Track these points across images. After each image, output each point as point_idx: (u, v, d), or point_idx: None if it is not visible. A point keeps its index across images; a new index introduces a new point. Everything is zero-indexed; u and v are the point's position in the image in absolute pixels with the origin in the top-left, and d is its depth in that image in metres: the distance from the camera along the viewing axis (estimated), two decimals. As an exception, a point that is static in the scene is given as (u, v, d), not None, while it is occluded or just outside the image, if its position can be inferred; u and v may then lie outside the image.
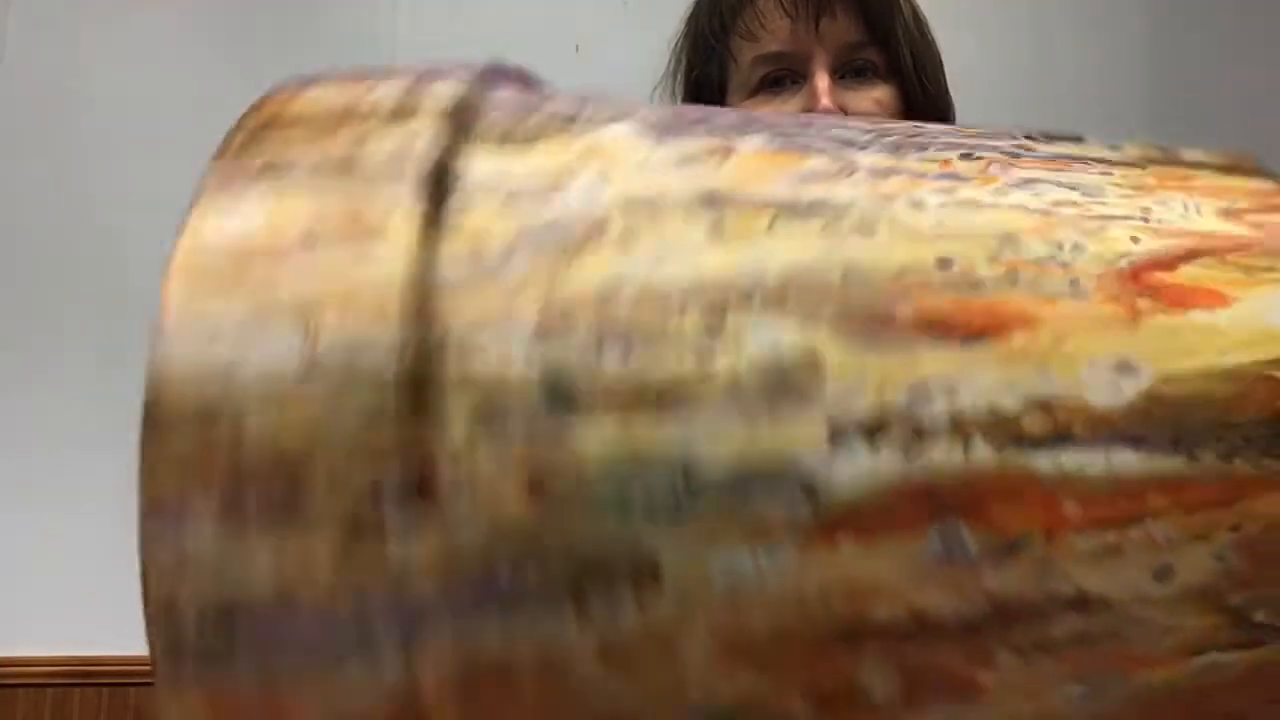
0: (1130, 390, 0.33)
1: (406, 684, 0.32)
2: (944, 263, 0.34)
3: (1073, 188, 0.37)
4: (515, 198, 0.36)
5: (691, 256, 0.35)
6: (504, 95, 0.40)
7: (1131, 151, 0.39)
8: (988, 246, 0.35)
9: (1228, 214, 0.36)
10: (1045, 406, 0.33)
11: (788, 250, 0.35)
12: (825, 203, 0.36)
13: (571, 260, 0.35)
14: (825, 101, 0.84)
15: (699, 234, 0.35)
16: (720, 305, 0.34)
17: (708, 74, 0.91)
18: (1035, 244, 0.35)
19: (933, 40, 0.91)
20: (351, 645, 0.32)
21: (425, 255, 0.34)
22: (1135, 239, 0.35)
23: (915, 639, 0.33)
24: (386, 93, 0.38)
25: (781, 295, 0.34)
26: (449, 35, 2.36)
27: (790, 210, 0.36)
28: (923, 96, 0.88)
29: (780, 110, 0.86)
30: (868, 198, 0.36)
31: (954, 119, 0.92)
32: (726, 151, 0.38)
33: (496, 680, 0.33)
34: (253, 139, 0.37)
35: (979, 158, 0.38)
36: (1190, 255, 0.34)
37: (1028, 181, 0.37)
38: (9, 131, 2.28)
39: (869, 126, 0.40)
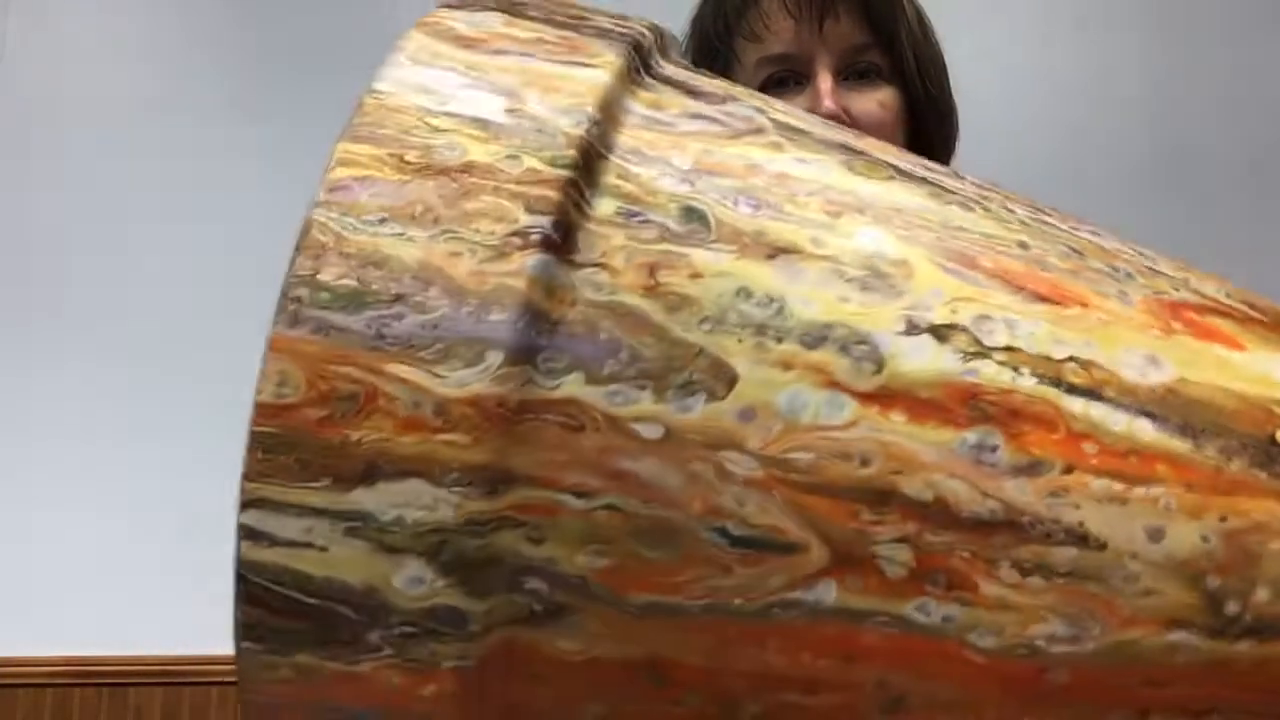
0: (1155, 377, 0.39)
1: (488, 394, 0.36)
2: (1024, 245, 0.41)
3: (1134, 247, 0.44)
4: (694, 94, 0.43)
5: (825, 170, 0.41)
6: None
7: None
8: (1059, 249, 0.41)
9: (1251, 304, 0.42)
10: (1086, 365, 0.38)
11: (901, 194, 0.42)
12: (936, 182, 0.43)
13: (730, 141, 0.42)
14: (828, 103, 0.84)
15: (833, 162, 0.42)
16: (839, 207, 0.40)
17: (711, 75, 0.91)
18: (1097, 261, 0.42)
19: (936, 43, 0.91)
20: (460, 346, 0.36)
21: (620, 91, 0.41)
22: (1177, 288, 0.42)
23: (933, 522, 0.37)
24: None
25: (890, 217, 0.41)
26: (448, 35, 2.36)
27: (908, 175, 0.43)
28: (926, 99, 0.88)
29: None
30: (970, 190, 0.43)
31: (957, 122, 0.92)
32: (862, 135, 0.47)
33: (564, 431, 0.37)
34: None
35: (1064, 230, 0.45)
36: (1218, 311, 0.41)
37: (1095, 232, 0.44)
38: (9, 131, 2.28)
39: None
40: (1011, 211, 0.43)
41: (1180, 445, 0.38)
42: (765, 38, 0.87)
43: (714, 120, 0.43)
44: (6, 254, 2.24)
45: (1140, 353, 0.39)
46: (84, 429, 2.17)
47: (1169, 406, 0.38)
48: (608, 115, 0.40)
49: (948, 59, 0.91)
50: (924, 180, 0.43)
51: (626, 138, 0.41)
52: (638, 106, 0.42)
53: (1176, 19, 2.51)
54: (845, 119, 0.84)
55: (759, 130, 0.43)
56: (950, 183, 0.44)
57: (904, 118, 0.87)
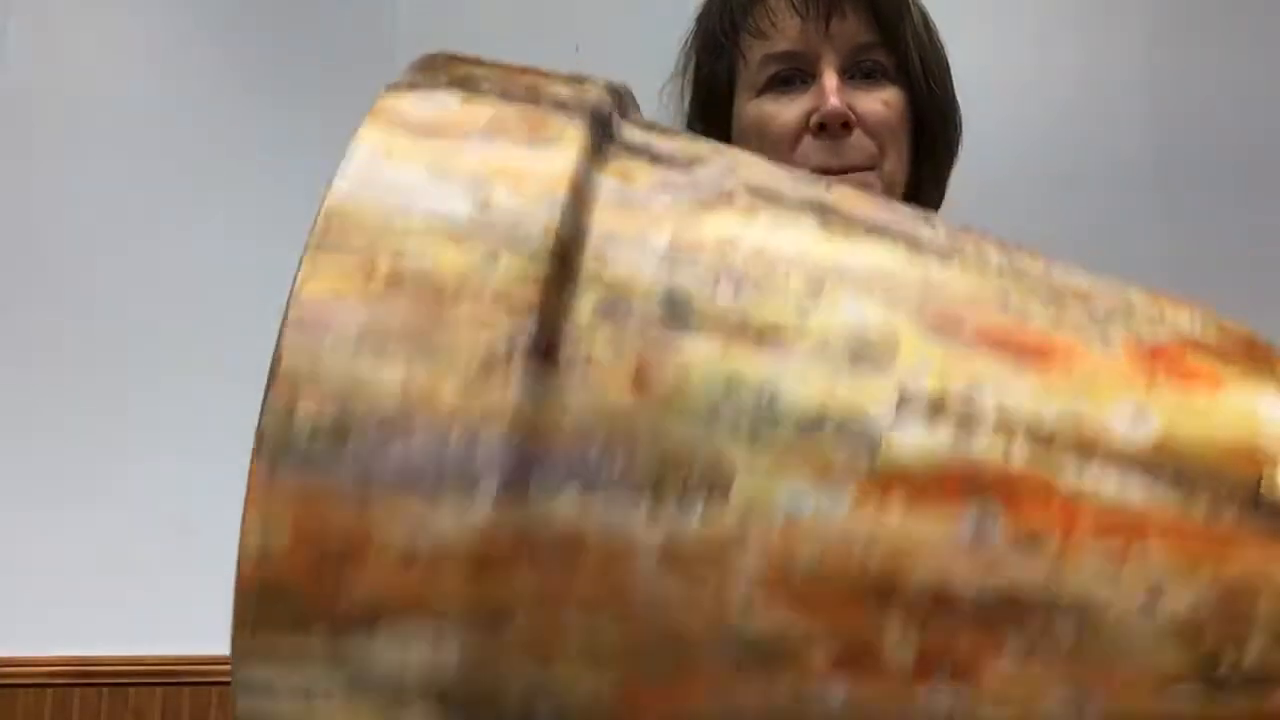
0: (1144, 431, 0.38)
1: (490, 528, 0.35)
2: (1005, 295, 0.41)
3: (1108, 282, 0.44)
4: (660, 160, 0.42)
5: (800, 236, 0.40)
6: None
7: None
8: (1041, 295, 0.41)
9: (1223, 330, 0.43)
10: (1076, 426, 0.38)
11: (879, 254, 0.41)
12: (912, 234, 0.42)
13: (702, 213, 0.40)
14: (833, 101, 0.84)
15: (809, 225, 0.41)
16: (820, 276, 0.39)
17: (716, 73, 0.91)
18: (1076, 305, 0.41)
19: (941, 45, 0.91)
20: (452, 477, 0.35)
21: (587, 171, 0.39)
22: (1153, 325, 0.42)
23: (937, 612, 0.36)
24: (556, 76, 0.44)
25: (870, 284, 0.40)
26: (449, 35, 2.36)
27: (883, 231, 0.42)
28: (930, 100, 0.89)
29: (787, 109, 0.86)
30: (943, 238, 0.43)
31: (960, 124, 0.92)
32: (830, 184, 0.45)
33: (565, 551, 0.36)
34: (439, 65, 0.42)
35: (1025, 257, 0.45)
36: (1195, 346, 0.41)
37: (1067, 270, 0.44)
38: (9, 131, 2.28)
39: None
40: (987, 259, 0.42)
41: (1173, 498, 0.37)
42: (771, 35, 0.87)
43: (684, 189, 0.41)
44: (6, 253, 2.23)
45: (1128, 406, 0.38)
46: (83, 428, 2.17)
47: (1159, 461, 0.38)
48: (579, 199, 0.38)
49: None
50: (899, 234, 0.42)
51: (600, 219, 0.39)
52: (608, 181, 0.40)
53: (1177, 19, 2.51)
54: (851, 117, 0.84)
55: (730, 196, 0.41)
56: (925, 232, 0.43)
57: (908, 118, 0.88)
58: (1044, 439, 0.37)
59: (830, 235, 0.41)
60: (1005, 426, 0.37)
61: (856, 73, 0.87)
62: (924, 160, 0.90)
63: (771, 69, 0.87)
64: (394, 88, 0.41)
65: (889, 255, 0.41)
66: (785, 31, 0.87)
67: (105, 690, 2.11)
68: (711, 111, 0.92)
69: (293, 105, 2.32)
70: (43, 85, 2.30)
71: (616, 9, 2.38)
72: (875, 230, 0.42)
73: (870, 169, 0.85)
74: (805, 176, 0.45)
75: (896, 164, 0.87)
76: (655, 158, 0.42)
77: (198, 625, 2.12)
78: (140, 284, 2.24)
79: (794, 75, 0.87)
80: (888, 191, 0.86)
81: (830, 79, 0.85)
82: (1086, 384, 0.39)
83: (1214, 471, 0.38)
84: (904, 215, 0.44)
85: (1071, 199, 2.36)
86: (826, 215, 0.42)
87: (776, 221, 0.41)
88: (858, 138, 0.85)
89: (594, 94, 0.42)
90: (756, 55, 0.88)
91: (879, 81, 0.87)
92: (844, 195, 0.44)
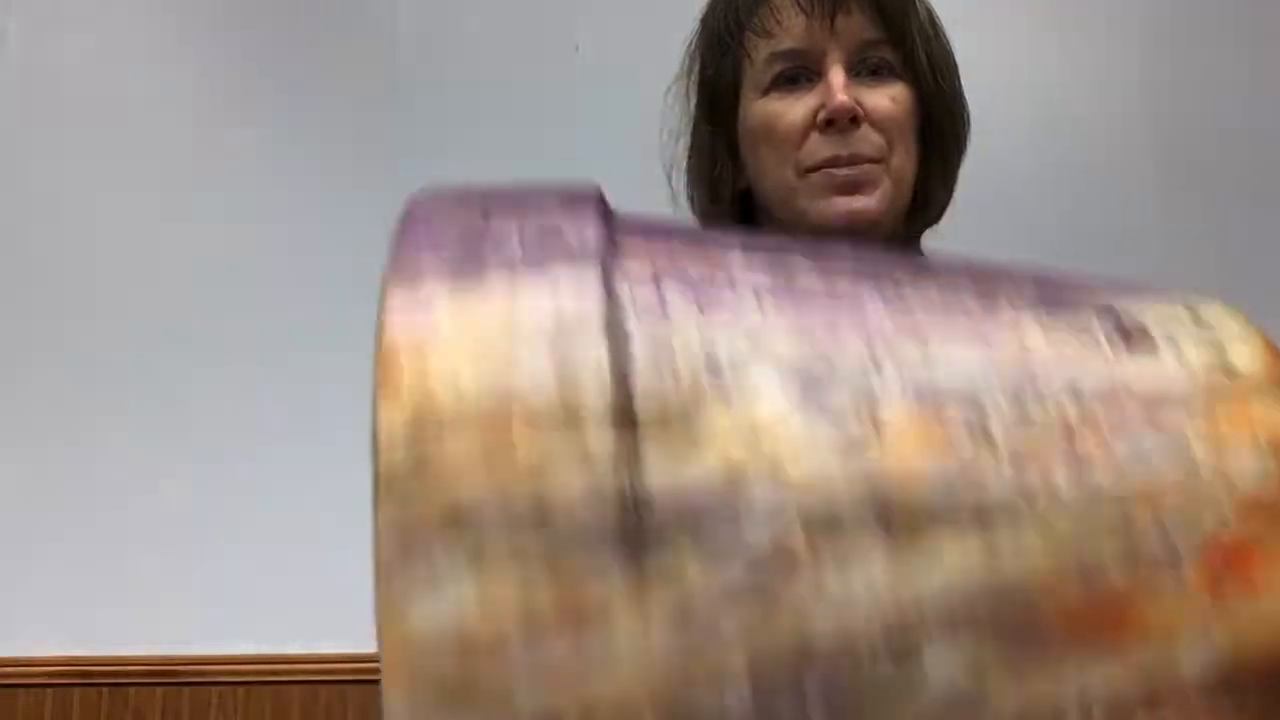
0: (1212, 667, 0.38)
1: None
2: (1082, 567, 0.39)
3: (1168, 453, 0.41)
4: (704, 529, 0.37)
5: (872, 583, 0.37)
6: (640, 295, 0.41)
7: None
8: (1114, 536, 0.39)
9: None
10: (1148, 684, 0.38)
11: (952, 568, 0.38)
12: (979, 508, 0.39)
13: (770, 611, 0.36)
14: (841, 97, 0.84)
15: (877, 555, 0.37)
16: (901, 639, 0.36)
17: (721, 73, 0.91)
18: (1150, 528, 0.39)
19: (946, 41, 0.91)
20: None
21: (646, 639, 0.35)
22: (1224, 520, 0.40)
23: None
24: (535, 369, 0.37)
25: (952, 621, 0.37)
26: (449, 35, 2.36)
27: (951, 520, 0.39)
28: (938, 96, 0.89)
29: (794, 108, 0.86)
30: (1013, 491, 0.39)
31: (968, 121, 0.92)
32: (875, 422, 0.40)
33: None
34: (418, 462, 0.36)
35: (1093, 408, 0.41)
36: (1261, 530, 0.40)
37: (1138, 441, 0.41)
38: (9, 131, 2.27)
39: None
40: (1057, 497, 0.40)
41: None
42: (776, 33, 0.87)
43: (744, 580, 0.37)
44: (6, 253, 2.23)
45: (1199, 646, 0.39)
46: (83, 427, 2.17)
47: (1232, 692, 0.39)
48: (659, 711, 0.35)
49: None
50: (971, 515, 0.39)
51: (668, 678, 0.35)
52: (667, 614, 0.36)
53: (1179, 18, 2.51)
54: (859, 111, 0.84)
55: (791, 562, 0.37)
56: (992, 482, 0.40)
57: (916, 114, 0.87)
58: (1122, 710, 0.38)
59: (900, 558, 0.38)
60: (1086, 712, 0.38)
61: (863, 69, 0.87)
62: (932, 156, 0.90)
63: (777, 67, 0.87)
64: (384, 540, 0.35)
65: (963, 562, 0.38)
66: (790, 29, 0.87)
67: (105, 690, 2.11)
68: (717, 112, 0.92)
69: (293, 105, 2.32)
70: (43, 85, 2.30)
71: (616, 9, 2.38)
72: (944, 519, 0.39)
73: (878, 161, 0.85)
74: (845, 394, 0.40)
75: (904, 160, 0.87)
76: (698, 522, 0.37)
77: (198, 625, 2.12)
78: (139, 283, 2.24)
79: (800, 73, 0.87)
80: (896, 187, 0.85)
81: (837, 75, 0.85)
82: (1160, 641, 0.39)
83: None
84: (965, 435, 0.40)
85: (1070, 199, 2.37)
86: (890, 520, 0.38)
87: (843, 570, 0.37)
88: (865, 131, 0.85)
89: (604, 451, 0.37)
90: (762, 54, 0.88)
91: (886, 78, 0.87)
92: (899, 445, 0.39)
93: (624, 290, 0.40)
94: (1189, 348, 0.43)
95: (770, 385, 0.39)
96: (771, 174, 0.87)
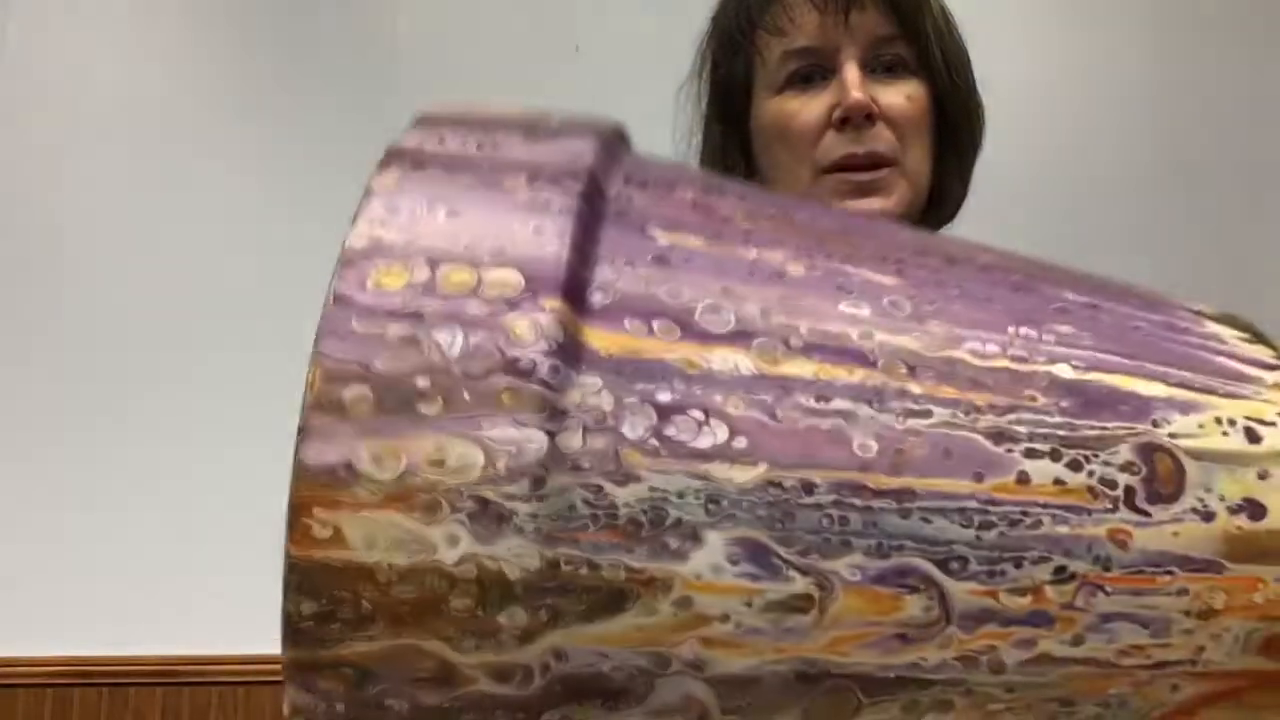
0: None
1: None
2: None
3: (1145, 625, 0.37)
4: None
5: None
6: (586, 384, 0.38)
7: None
8: (1048, 712, 0.37)
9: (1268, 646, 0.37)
10: None
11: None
12: (910, 677, 0.36)
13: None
14: (856, 94, 0.83)
15: None
16: None
17: (733, 72, 0.90)
18: (1088, 707, 0.37)
19: (960, 37, 0.90)
20: None
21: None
22: (1176, 687, 0.37)
23: None
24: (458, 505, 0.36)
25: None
26: (449, 35, 2.36)
27: (879, 688, 0.36)
28: (953, 93, 0.88)
29: (808, 106, 0.86)
30: (953, 663, 0.37)
31: (983, 118, 0.92)
32: (820, 602, 0.36)
33: None
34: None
35: (1071, 577, 0.37)
36: (1224, 696, 0.37)
37: (1106, 620, 0.37)
38: (9, 131, 2.27)
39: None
40: (1001, 670, 0.37)
41: None
42: (789, 31, 0.86)
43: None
44: (5, 253, 2.23)
45: None
46: (82, 427, 2.16)
47: None
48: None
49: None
50: (900, 682, 0.37)
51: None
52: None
53: (1180, 19, 2.52)
54: (874, 108, 0.84)
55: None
56: (933, 653, 0.37)
57: (931, 111, 0.87)
58: None
59: None
60: None
61: (877, 66, 0.86)
62: (947, 153, 0.89)
63: (791, 66, 0.86)
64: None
65: None
66: (803, 27, 0.86)
67: (105, 690, 2.10)
68: (730, 112, 0.91)
69: (294, 105, 2.32)
70: (43, 85, 2.29)
71: (616, 9, 2.38)
72: (870, 689, 0.37)
73: (893, 162, 0.84)
74: (795, 574, 0.36)
75: (919, 158, 0.86)
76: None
77: (198, 625, 2.12)
78: (139, 284, 2.23)
79: (814, 72, 0.86)
80: (911, 187, 0.85)
81: (851, 72, 0.84)
82: None
83: None
84: (922, 605, 0.36)
85: (1071, 199, 2.37)
86: (813, 690, 0.36)
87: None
88: (881, 129, 0.84)
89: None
90: (775, 53, 0.87)
91: (900, 75, 0.86)
92: (839, 618, 0.36)
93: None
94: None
95: (709, 546, 0.37)
96: (786, 173, 0.86)
